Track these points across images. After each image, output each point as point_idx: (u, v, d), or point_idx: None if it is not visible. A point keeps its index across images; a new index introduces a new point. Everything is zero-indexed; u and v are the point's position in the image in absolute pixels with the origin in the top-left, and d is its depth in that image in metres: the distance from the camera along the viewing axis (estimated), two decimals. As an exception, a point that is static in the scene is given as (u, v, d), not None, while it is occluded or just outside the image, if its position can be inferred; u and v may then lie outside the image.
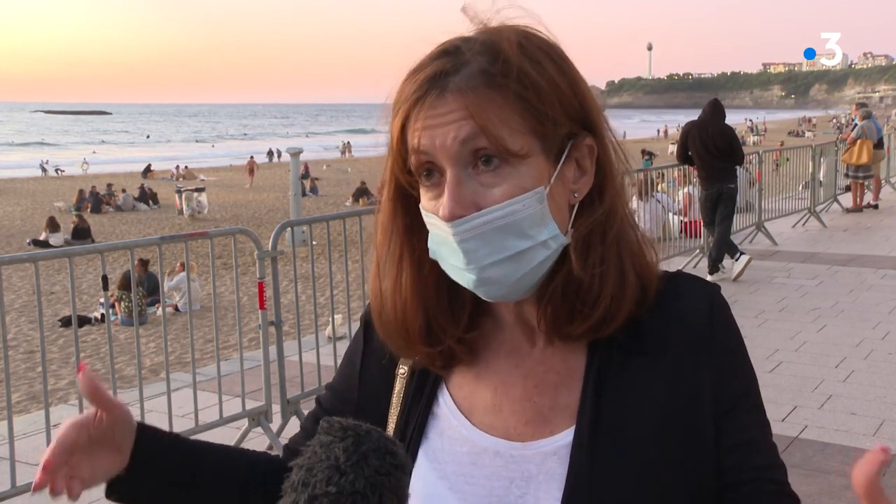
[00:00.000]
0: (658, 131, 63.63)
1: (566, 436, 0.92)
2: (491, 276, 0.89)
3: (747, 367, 0.98)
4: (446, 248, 0.90)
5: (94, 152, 59.43)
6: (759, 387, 0.99)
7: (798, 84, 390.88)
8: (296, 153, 15.20)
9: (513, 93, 0.86)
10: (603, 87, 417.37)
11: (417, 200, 0.94)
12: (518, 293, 0.92)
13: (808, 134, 58.55)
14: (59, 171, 41.60)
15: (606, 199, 0.93)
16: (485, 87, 0.86)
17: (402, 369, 1.03)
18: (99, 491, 0.97)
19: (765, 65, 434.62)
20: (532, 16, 0.91)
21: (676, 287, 0.97)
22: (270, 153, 48.15)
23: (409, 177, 0.93)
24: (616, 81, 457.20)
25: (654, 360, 0.93)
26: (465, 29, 0.91)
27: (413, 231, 0.96)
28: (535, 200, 0.88)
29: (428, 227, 0.92)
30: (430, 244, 0.92)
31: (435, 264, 0.94)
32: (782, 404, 5.13)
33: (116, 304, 10.95)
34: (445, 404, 0.99)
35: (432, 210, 0.90)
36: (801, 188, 13.82)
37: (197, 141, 78.81)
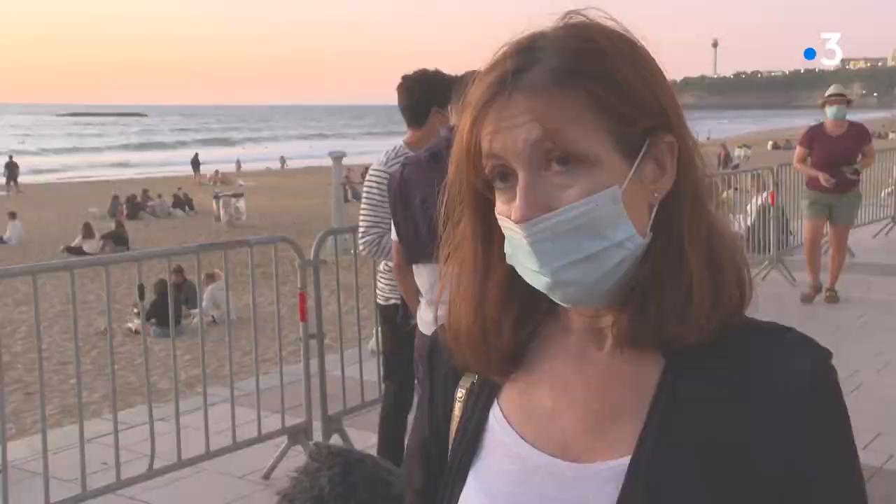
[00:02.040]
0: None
1: (626, 461, 0.91)
2: (566, 277, 0.89)
3: (849, 456, 0.93)
4: (521, 252, 0.92)
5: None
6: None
7: (881, 81, 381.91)
8: (338, 157, 15.28)
9: (584, 90, 0.88)
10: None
11: (493, 205, 0.95)
12: (596, 297, 0.92)
13: (891, 136, 57.17)
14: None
15: (689, 200, 0.93)
16: (554, 87, 0.88)
17: (461, 392, 1.04)
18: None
19: (844, 60, 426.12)
20: (607, 14, 0.93)
21: (784, 339, 0.94)
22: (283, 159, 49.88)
23: (484, 182, 0.95)
24: (678, 81, 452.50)
25: (737, 403, 0.89)
26: (542, 24, 0.93)
27: (490, 237, 0.97)
28: (609, 200, 0.88)
29: (504, 231, 0.94)
30: (507, 249, 0.94)
31: (507, 270, 0.96)
32: (863, 431, 4.98)
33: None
34: (496, 420, 1.00)
35: (506, 214, 0.91)
36: (884, 195, 13.49)
37: (220, 142, 79.89)
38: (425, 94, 4.01)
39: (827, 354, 0.94)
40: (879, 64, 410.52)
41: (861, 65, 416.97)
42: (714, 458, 0.88)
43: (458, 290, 1.01)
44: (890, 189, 13.27)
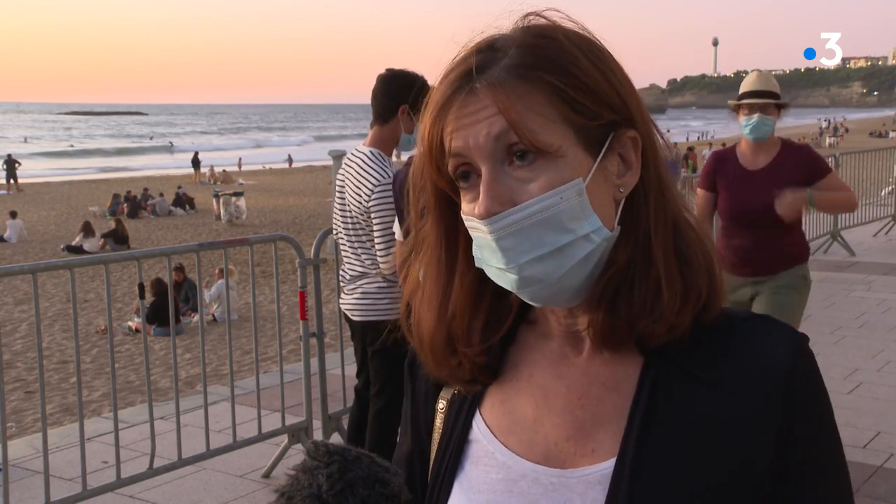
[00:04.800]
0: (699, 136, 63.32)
1: (612, 464, 0.91)
2: (532, 274, 0.89)
3: (831, 441, 0.94)
4: (487, 250, 0.91)
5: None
6: (844, 451, 0.95)
7: (882, 80, 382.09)
8: (338, 156, 15.31)
9: (546, 83, 0.88)
10: (664, 85, 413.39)
11: (459, 208, 0.95)
12: (566, 295, 0.92)
13: (892, 134, 57.25)
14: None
15: (654, 195, 0.93)
16: (515, 80, 0.88)
17: (441, 404, 1.04)
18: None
19: (844, 59, 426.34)
20: (570, 16, 0.93)
21: (758, 326, 0.94)
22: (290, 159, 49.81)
23: (449, 183, 0.94)
24: (679, 80, 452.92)
25: (716, 393, 0.90)
26: (501, 27, 0.93)
27: (456, 241, 0.97)
28: (573, 192, 0.88)
29: (470, 232, 0.93)
30: (475, 252, 0.93)
31: (477, 276, 0.96)
32: (863, 429, 5.02)
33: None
34: (479, 430, 1.00)
35: (470, 212, 0.91)
36: (884, 193, 13.51)
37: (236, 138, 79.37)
38: (397, 91, 3.88)
39: (802, 338, 0.94)
40: (880, 62, 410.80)
41: (861, 63, 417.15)
42: (697, 453, 0.89)
43: (421, 298, 1.00)
44: (890, 188, 13.27)
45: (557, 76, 0.88)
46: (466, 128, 0.88)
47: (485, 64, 0.89)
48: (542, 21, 0.93)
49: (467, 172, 0.90)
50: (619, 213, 0.92)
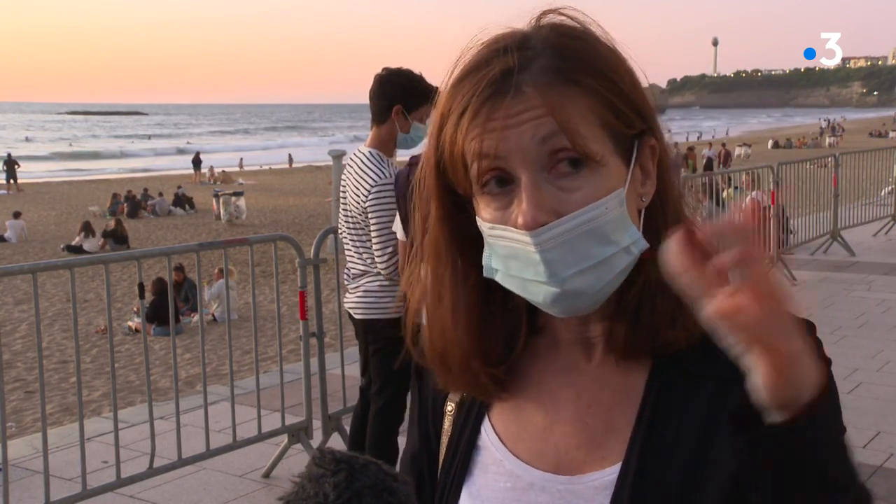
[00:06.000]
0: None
1: (618, 468, 0.90)
2: (575, 287, 0.85)
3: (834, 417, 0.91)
4: (519, 262, 0.86)
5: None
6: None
7: (882, 80, 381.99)
8: (338, 156, 15.28)
9: (590, 88, 0.85)
10: (664, 85, 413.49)
11: (465, 216, 0.92)
12: (594, 307, 0.89)
13: (892, 134, 57.26)
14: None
15: (671, 204, 0.91)
16: (560, 84, 0.84)
17: (450, 406, 1.03)
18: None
19: (844, 59, 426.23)
20: (584, 13, 0.90)
21: None
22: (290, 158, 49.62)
23: (464, 189, 0.90)
24: (678, 79, 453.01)
25: (720, 391, 0.89)
26: (515, 26, 0.89)
27: (463, 250, 0.94)
28: (616, 203, 0.85)
29: (491, 240, 0.89)
30: (491, 261, 0.90)
31: (480, 285, 0.93)
32: (863, 429, 5.01)
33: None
34: (488, 437, 0.99)
35: (499, 221, 0.86)
36: (884, 193, 13.50)
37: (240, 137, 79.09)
38: (391, 91, 3.87)
39: (809, 324, 0.93)
40: (880, 62, 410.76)
41: (861, 63, 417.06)
42: (702, 454, 0.88)
43: (434, 311, 0.96)
44: (890, 188, 13.27)
45: (599, 80, 0.85)
46: (508, 129, 0.83)
47: (521, 65, 0.84)
48: (567, 20, 0.88)
49: (498, 178, 0.85)
50: (641, 223, 0.90)
